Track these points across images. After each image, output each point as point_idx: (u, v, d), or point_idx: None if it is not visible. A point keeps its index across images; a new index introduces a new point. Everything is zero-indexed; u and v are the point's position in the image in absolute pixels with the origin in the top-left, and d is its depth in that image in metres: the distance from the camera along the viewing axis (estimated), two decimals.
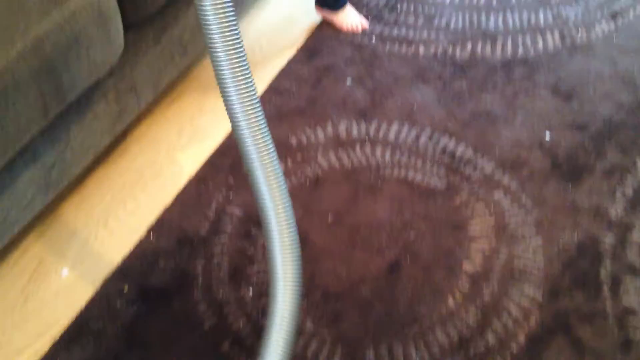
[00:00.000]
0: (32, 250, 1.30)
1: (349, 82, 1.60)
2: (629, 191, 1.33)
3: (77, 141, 1.27)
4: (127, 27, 1.27)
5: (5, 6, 1.08)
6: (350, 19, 1.73)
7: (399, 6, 1.80)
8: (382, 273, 1.22)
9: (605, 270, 1.21)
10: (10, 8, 1.08)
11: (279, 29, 1.79)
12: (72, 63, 1.13)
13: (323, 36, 1.73)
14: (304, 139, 1.46)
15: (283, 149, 1.44)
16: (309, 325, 1.15)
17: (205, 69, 1.65)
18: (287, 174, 1.39)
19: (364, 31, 1.73)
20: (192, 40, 1.51)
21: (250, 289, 1.21)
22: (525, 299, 1.17)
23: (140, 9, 1.29)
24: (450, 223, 1.30)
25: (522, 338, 1.12)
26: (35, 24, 1.07)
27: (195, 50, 1.55)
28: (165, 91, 1.56)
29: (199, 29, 1.53)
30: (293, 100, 1.56)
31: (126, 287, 1.22)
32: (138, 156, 1.46)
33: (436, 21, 1.75)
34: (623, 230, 1.27)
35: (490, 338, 1.12)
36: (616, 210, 1.30)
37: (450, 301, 1.17)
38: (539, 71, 1.60)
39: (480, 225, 1.29)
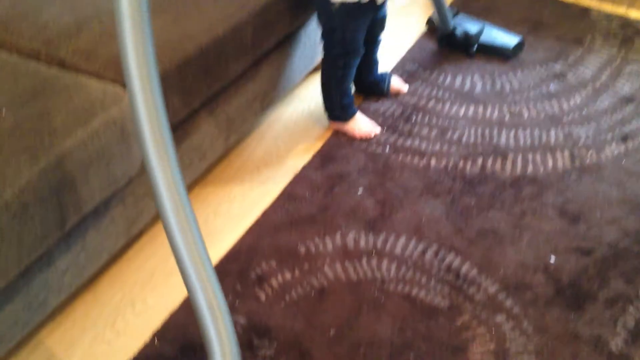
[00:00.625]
0: (43, 346, 1.33)
1: (360, 191, 1.63)
2: (631, 322, 1.33)
3: (92, 245, 1.32)
4: None
5: (33, 124, 1.15)
6: (361, 126, 1.79)
7: (414, 117, 1.85)
8: None
9: None
10: (38, 126, 1.15)
11: (296, 131, 1.84)
12: (92, 178, 1.18)
13: (338, 142, 1.78)
14: (312, 248, 1.49)
15: (291, 258, 1.47)
16: None
17: (221, 173, 1.70)
18: (293, 283, 1.41)
19: (378, 140, 1.78)
20: (210, 147, 1.57)
21: None
22: None
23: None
24: (451, 345, 1.30)
25: None
26: (59, 141, 1.13)
27: (214, 155, 1.61)
28: None
29: (219, 136, 1.59)
30: (305, 207, 1.59)
31: None
32: (151, 256, 1.50)
33: (449, 134, 1.79)
34: None
35: None
36: (617, 342, 1.30)
37: None
38: (548, 191, 1.62)
39: (480, 349, 1.30)
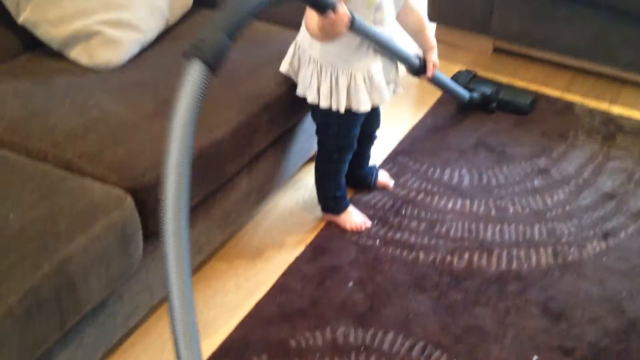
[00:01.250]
0: None
1: (350, 284, 1.68)
2: None
3: (90, 341, 1.35)
4: (146, 237, 1.38)
5: (38, 228, 1.21)
6: (353, 219, 1.85)
7: (403, 210, 1.91)
8: None
9: None
10: (42, 230, 1.21)
11: (291, 222, 1.90)
12: (91, 280, 1.23)
13: (331, 234, 1.84)
14: (303, 343, 1.53)
15: (282, 352, 1.50)
16: None
17: (217, 264, 1.75)
18: None
19: (368, 232, 1.84)
20: (207, 241, 1.63)
21: None
22: None
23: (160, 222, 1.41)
24: None
25: None
26: (63, 246, 1.19)
27: (210, 248, 1.67)
28: None
29: (215, 231, 1.65)
30: (297, 300, 1.64)
31: None
32: (146, 349, 1.53)
33: (437, 227, 1.85)
34: None
35: None
36: None
37: None
38: (531, 288, 1.67)
39: None
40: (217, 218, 1.64)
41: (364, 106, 1.62)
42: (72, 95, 1.55)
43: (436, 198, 1.96)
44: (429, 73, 1.84)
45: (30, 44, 1.74)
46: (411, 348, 1.52)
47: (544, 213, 1.90)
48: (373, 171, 1.99)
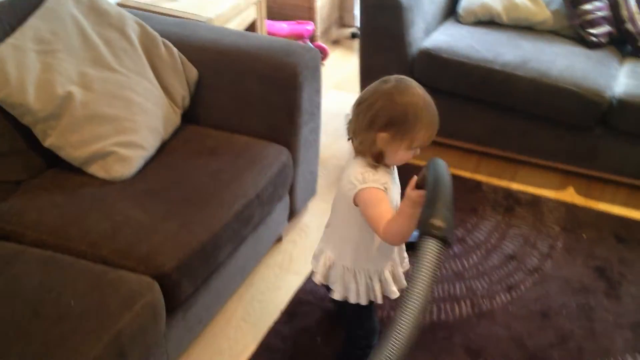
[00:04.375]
0: None
1: (319, 340, 2.09)
2: None
3: None
4: (167, 312, 1.77)
5: (94, 311, 1.58)
6: None
7: None
8: None
9: None
10: (98, 313, 1.57)
11: (268, 291, 2.31)
12: (135, 348, 1.60)
13: (301, 301, 2.25)
14: None
15: None
16: None
17: (210, 331, 2.14)
18: None
19: (327, 296, 2.25)
20: (206, 312, 2.02)
21: None
22: None
23: (177, 300, 1.80)
24: None
25: None
26: (115, 323, 1.56)
27: (208, 318, 2.06)
28: (185, 351, 2.03)
29: (211, 303, 2.04)
30: (279, 357, 2.03)
31: None
32: None
33: None
34: None
35: None
36: None
37: None
38: (456, 333, 2.12)
39: None
40: (213, 293, 2.04)
41: (394, 294, 1.71)
42: (97, 204, 1.94)
43: None
44: None
45: (52, 161, 2.13)
46: None
47: (462, 273, 2.37)
48: None
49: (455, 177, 2.96)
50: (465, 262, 2.42)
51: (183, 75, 2.32)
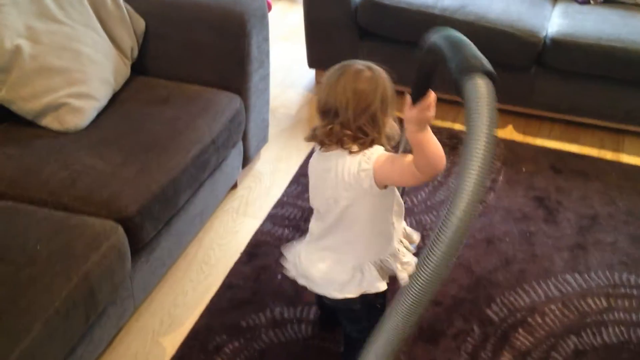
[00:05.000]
0: None
1: (279, 277, 2.17)
2: (469, 348, 1.93)
3: (96, 337, 1.76)
4: (132, 254, 1.81)
5: (61, 253, 1.61)
6: None
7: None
8: None
9: None
10: (65, 254, 1.61)
11: (227, 236, 2.37)
12: (103, 287, 1.65)
13: (259, 242, 2.32)
14: (251, 322, 2.00)
15: (236, 331, 1.96)
16: None
17: (174, 275, 2.19)
18: (241, 349, 1.90)
19: (287, 238, 2.33)
20: (168, 255, 2.07)
21: None
22: None
23: (140, 242, 1.84)
24: None
25: None
26: (82, 265, 1.60)
27: (170, 261, 2.11)
28: (150, 293, 2.08)
29: (172, 247, 2.09)
30: (241, 293, 2.10)
31: None
32: (132, 343, 1.95)
33: None
34: None
35: None
36: None
37: None
38: None
39: None
40: (174, 237, 2.08)
41: (404, 280, 1.58)
42: (54, 155, 1.95)
43: None
44: None
45: (4, 116, 2.11)
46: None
47: (412, 209, 2.47)
48: None
49: (400, 121, 3.08)
50: (414, 199, 2.53)
51: (130, 26, 2.31)
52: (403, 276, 1.57)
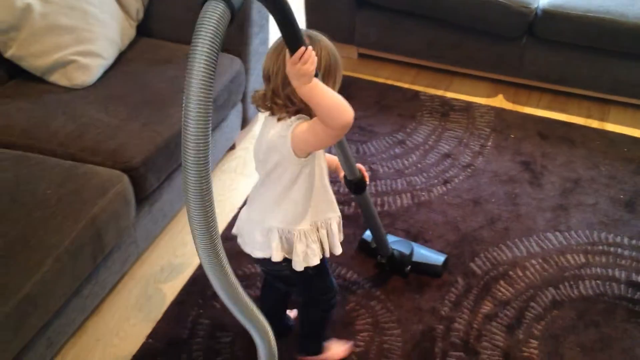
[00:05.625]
0: (69, 355, 1.84)
1: None
2: (453, 298, 2.04)
3: (101, 279, 1.86)
4: (136, 203, 1.91)
5: (70, 198, 1.71)
6: (335, 350, 1.87)
7: None
8: None
9: (438, 348, 1.89)
10: (74, 199, 1.71)
11: (231, 177, 2.46)
12: (110, 230, 1.75)
13: None
14: (247, 271, 2.10)
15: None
16: None
17: (174, 228, 2.28)
18: None
19: None
20: (170, 208, 2.17)
21: None
22: None
23: (144, 192, 1.94)
24: (343, 322, 1.95)
25: None
26: (90, 208, 1.70)
27: (172, 212, 2.20)
28: (151, 243, 2.18)
29: (174, 199, 2.18)
30: (237, 245, 2.20)
31: None
32: (134, 288, 2.05)
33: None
34: (448, 322, 1.96)
35: None
36: (444, 310, 2.00)
37: None
38: (398, 220, 2.32)
39: (362, 322, 1.96)
40: (175, 192, 2.17)
41: (339, 250, 1.59)
42: (62, 108, 2.03)
43: None
44: (366, 177, 1.77)
45: (14, 72, 2.19)
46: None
47: (403, 171, 2.57)
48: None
49: (394, 88, 3.18)
50: (406, 161, 2.62)
51: None
52: (296, 259, 1.53)
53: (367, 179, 1.78)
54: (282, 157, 1.41)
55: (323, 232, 1.54)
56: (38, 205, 1.68)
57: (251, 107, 2.61)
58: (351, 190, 1.78)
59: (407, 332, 1.93)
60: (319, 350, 1.84)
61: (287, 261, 1.53)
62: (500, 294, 2.06)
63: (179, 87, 2.16)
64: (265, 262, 1.56)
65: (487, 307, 2.01)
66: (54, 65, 2.14)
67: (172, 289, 2.04)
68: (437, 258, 2.14)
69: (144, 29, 2.45)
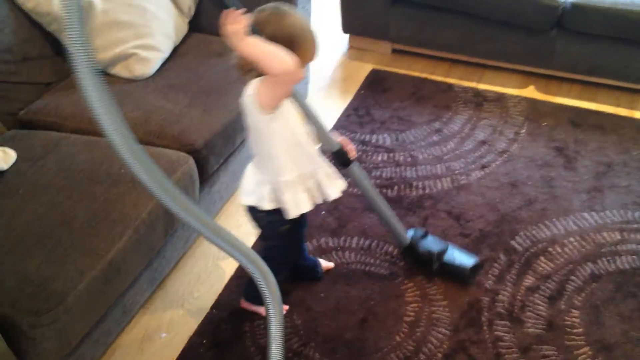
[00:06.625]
0: (140, 322, 1.98)
1: (323, 213, 2.39)
2: (496, 272, 2.15)
3: (168, 254, 1.99)
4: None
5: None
6: None
7: None
8: (356, 323, 1.96)
9: (485, 317, 2.00)
10: None
11: None
12: None
13: None
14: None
15: None
16: None
17: (229, 209, 2.41)
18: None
19: None
20: (226, 190, 2.30)
21: None
22: (439, 334, 1.94)
23: (206, 174, 2.07)
24: (394, 295, 2.07)
25: (439, 355, 1.88)
26: (164, 184, 1.82)
27: (227, 194, 2.33)
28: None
29: (230, 182, 2.31)
30: None
31: (204, 341, 1.92)
32: (195, 265, 2.18)
33: (374, 172, 2.59)
34: (493, 294, 2.07)
35: (421, 355, 1.87)
36: (488, 283, 2.11)
37: (397, 337, 1.93)
38: (439, 202, 2.44)
39: (412, 295, 2.07)
40: (231, 175, 2.30)
41: (333, 196, 1.75)
42: (126, 97, 2.17)
43: (370, 154, 2.70)
44: (352, 152, 1.84)
45: None
46: (369, 245, 2.26)
47: (441, 157, 2.68)
48: (316, 262, 2.13)
49: (429, 81, 3.30)
50: (444, 148, 2.73)
51: None
52: (287, 207, 1.69)
53: (353, 153, 1.84)
54: (253, 116, 1.57)
55: (310, 182, 1.70)
56: (114, 183, 1.81)
57: None
58: (335, 163, 1.82)
59: (454, 303, 2.04)
60: (255, 298, 1.82)
61: (269, 213, 1.71)
62: (540, 268, 2.16)
63: (232, 78, 2.31)
64: (251, 209, 1.75)
65: (529, 281, 2.11)
66: (116, 59, 2.28)
67: (230, 265, 2.17)
68: (467, 261, 2.10)
69: (195, 25, 2.59)
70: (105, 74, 2.30)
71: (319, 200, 1.75)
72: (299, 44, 1.51)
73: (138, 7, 2.33)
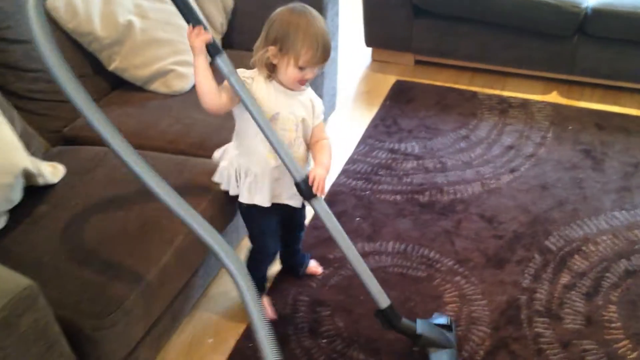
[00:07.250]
0: (188, 328, 2.04)
1: (357, 219, 2.44)
2: (532, 271, 2.19)
3: (210, 262, 2.05)
4: None
5: (189, 185, 1.91)
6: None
7: (380, 171, 2.69)
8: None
9: (524, 315, 2.03)
10: (192, 187, 1.91)
11: None
12: (220, 213, 1.94)
13: (335, 191, 2.59)
14: (337, 255, 2.27)
15: (326, 262, 2.24)
16: None
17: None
18: (330, 275, 2.18)
19: (360, 187, 2.60)
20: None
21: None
22: (480, 332, 1.98)
23: None
24: (432, 296, 2.11)
25: (482, 353, 1.92)
26: (207, 193, 1.89)
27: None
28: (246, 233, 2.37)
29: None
30: (324, 234, 2.38)
31: (251, 344, 1.97)
32: None
33: (404, 179, 2.65)
34: (530, 292, 2.11)
35: (464, 352, 1.91)
36: (525, 282, 2.15)
37: None
38: (471, 206, 2.49)
39: (450, 295, 2.11)
40: None
41: (295, 204, 1.86)
42: (166, 112, 2.25)
43: (399, 162, 2.76)
44: (318, 189, 1.70)
45: (115, 83, 2.42)
46: (405, 248, 2.31)
47: (470, 162, 2.73)
48: (304, 262, 2.20)
49: (453, 90, 3.36)
50: (472, 154, 2.78)
51: (220, 4, 2.61)
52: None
53: (320, 190, 1.71)
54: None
55: (240, 173, 1.79)
56: None
57: (325, 110, 2.81)
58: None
59: (493, 302, 2.08)
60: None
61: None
62: (576, 266, 2.20)
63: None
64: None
65: (565, 279, 2.15)
66: (155, 75, 2.36)
67: (269, 273, 2.22)
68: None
69: (227, 41, 2.67)
70: (143, 91, 2.38)
71: (244, 199, 1.81)
72: (287, 45, 1.62)
73: (174, 24, 2.42)
